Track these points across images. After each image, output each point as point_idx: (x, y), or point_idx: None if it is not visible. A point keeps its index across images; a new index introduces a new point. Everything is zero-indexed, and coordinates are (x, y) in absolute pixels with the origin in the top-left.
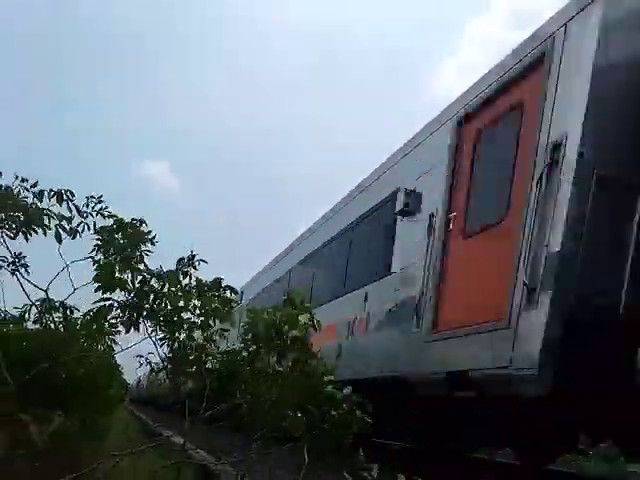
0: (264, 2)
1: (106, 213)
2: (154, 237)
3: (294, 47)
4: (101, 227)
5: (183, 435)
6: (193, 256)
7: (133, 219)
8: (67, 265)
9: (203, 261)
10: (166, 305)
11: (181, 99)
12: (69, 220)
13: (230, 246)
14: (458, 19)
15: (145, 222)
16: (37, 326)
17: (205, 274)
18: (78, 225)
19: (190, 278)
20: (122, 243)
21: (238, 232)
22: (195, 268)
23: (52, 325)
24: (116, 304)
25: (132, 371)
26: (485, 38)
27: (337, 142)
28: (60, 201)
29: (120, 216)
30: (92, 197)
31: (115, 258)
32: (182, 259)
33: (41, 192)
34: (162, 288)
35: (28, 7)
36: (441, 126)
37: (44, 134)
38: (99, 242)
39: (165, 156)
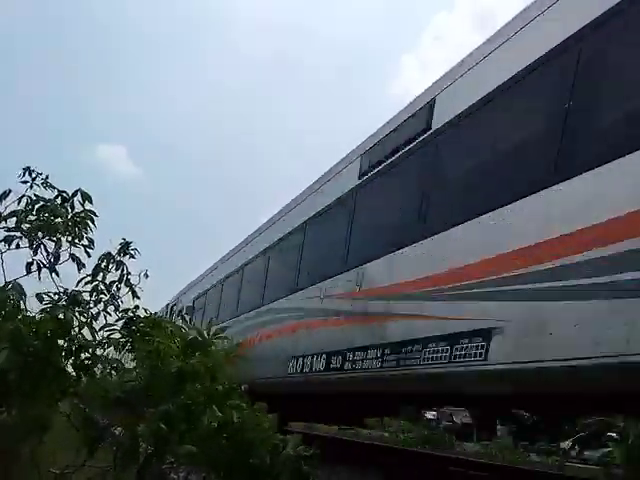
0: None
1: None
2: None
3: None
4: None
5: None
6: (127, 244)
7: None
8: (1, 252)
9: (136, 250)
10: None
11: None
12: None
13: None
14: (419, 17)
15: (90, 198)
16: None
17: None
18: (19, 199)
19: (125, 269)
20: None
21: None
22: (132, 256)
23: None
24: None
25: None
26: (446, 36)
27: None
28: None
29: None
30: (29, 168)
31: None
32: (109, 254)
33: None
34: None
35: None
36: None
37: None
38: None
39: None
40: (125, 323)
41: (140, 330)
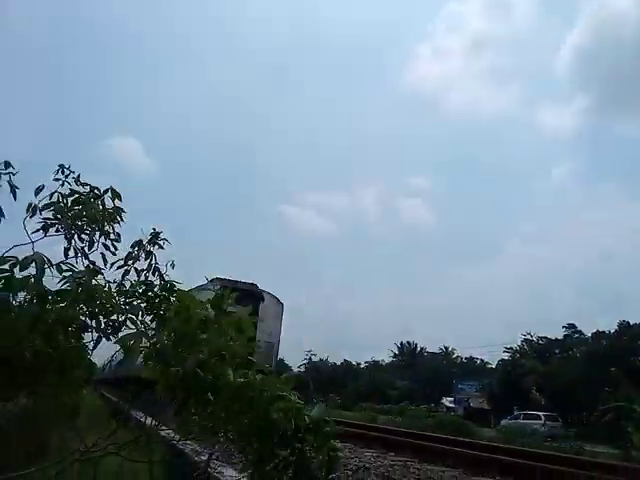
0: None
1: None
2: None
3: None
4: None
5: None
6: (157, 234)
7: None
8: (32, 242)
9: (166, 240)
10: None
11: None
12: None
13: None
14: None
15: (120, 196)
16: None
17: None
18: (52, 195)
19: (154, 259)
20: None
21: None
22: (161, 247)
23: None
24: None
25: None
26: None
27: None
28: None
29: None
30: (63, 165)
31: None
32: (140, 241)
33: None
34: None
35: None
36: None
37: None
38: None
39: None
40: (144, 290)
41: (157, 295)
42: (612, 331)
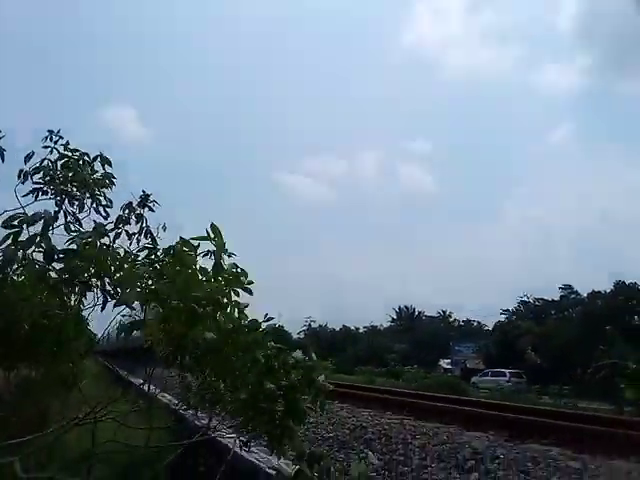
0: None
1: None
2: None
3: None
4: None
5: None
6: (147, 196)
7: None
8: (23, 207)
9: (156, 202)
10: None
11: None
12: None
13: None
14: None
15: (110, 162)
16: None
17: None
18: (42, 162)
19: (145, 222)
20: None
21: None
22: (151, 209)
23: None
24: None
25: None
26: None
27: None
28: None
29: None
30: (52, 131)
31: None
32: (130, 204)
33: None
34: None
35: None
36: None
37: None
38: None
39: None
40: (146, 255)
41: (160, 259)
42: (608, 291)
